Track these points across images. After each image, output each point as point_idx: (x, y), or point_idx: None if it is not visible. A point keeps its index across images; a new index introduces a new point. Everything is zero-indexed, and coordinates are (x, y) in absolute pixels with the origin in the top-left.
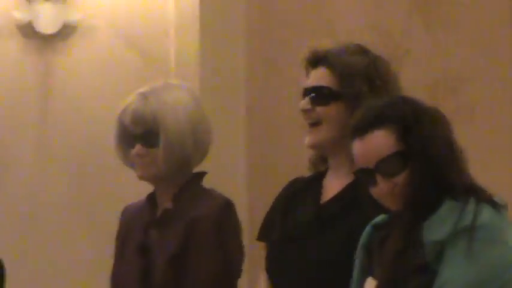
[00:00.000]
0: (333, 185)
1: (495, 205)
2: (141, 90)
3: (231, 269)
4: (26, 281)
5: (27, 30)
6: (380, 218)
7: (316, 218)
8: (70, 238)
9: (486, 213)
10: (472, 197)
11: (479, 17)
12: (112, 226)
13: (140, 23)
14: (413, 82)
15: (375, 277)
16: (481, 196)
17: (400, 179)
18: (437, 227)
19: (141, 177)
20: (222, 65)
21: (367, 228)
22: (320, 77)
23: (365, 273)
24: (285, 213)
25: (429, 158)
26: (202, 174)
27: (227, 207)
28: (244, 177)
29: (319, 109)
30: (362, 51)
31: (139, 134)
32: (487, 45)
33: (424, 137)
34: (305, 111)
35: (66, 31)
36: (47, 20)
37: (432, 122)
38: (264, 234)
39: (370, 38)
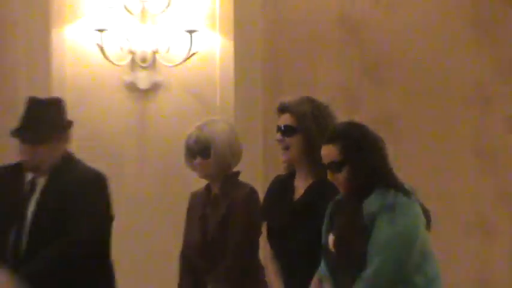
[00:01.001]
0: (300, 186)
1: (406, 192)
2: (199, 124)
3: (254, 227)
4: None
5: (131, 87)
6: (338, 196)
7: (291, 213)
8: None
9: (400, 197)
10: (392, 188)
11: (409, 75)
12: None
13: (200, 82)
14: (363, 117)
15: (333, 233)
16: (398, 188)
17: (340, 175)
18: (371, 204)
19: (201, 177)
20: (243, 107)
21: (331, 203)
22: (286, 119)
23: (328, 231)
24: (271, 207)
25: (365, 165)
26: (238, 173)
27: (253, 192)
28: (260, 176)
29: (287, 139)
30: (310, 101)
31: (198, 150)
32: (413, 95)
33: (364, 152)
34: (279, 141)
35: (155, 87)
36: (143, 80)
37: (372, 141)
38: (263, 217)
39: (333, 93)
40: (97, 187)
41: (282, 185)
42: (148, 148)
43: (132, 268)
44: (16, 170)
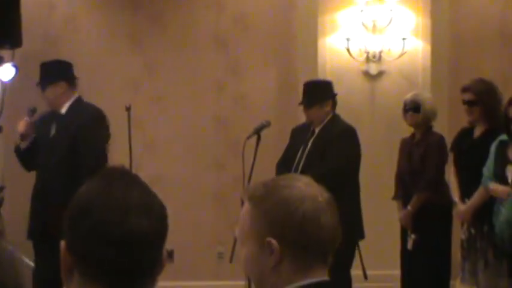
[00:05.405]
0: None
1: None
2: (412, 93)
3: (442, 159)
4: None
5: (365, 74)
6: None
7: (470, 145)
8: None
9: None
10: None
11: None
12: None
13: (409, 71)
14: None
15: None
16: None
17: None
18: None
19: (410, 125)
20: (436, 86)
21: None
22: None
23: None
24: (458, 142)
25: None
26: (432, 126)
27: (442, 138)
28: (445, 129)
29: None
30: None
31: (412, 107)
32: None
33: None
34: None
35: (380, 74)
36: (373, 69)
37: None
38: (452, 149)
39: None
40: (348, 136)
41: (464, 132)
42: (376, 113)
43: None
44: (307, 127)
